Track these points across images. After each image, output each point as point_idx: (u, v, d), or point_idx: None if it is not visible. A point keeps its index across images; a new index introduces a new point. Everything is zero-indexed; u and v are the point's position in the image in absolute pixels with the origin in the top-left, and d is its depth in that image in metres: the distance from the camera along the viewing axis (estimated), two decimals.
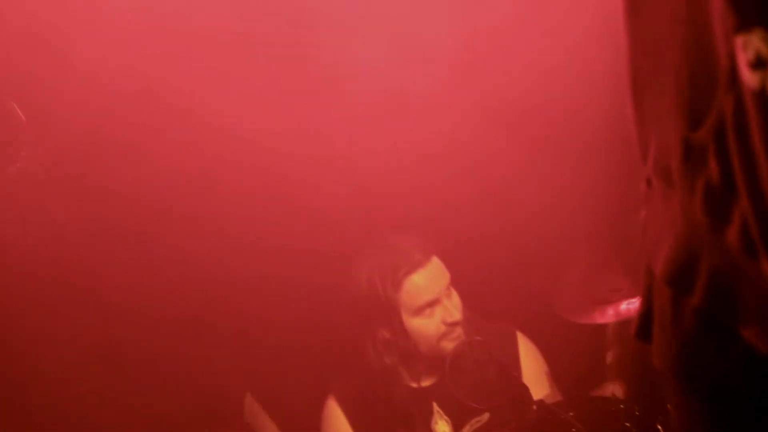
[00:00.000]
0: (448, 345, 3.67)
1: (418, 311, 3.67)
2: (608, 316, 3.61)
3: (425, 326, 3.68)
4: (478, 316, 3.81)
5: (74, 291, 3.97)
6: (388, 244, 3.74)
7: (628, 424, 3.10)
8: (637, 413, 3.13)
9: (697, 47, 1.43)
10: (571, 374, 3.83)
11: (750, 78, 1.34)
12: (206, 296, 4.12)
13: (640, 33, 1.53)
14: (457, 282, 3.75)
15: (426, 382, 3.76)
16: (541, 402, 3.29)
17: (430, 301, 3.67)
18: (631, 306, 3.43)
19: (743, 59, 1.34)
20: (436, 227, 3.92)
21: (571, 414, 3.12)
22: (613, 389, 3.43)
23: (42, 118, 3.53)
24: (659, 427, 3.05)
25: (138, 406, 3.90)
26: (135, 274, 4.03)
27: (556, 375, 3.85)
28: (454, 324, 3.68)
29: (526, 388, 3.65)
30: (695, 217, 1.44)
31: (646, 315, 1.61)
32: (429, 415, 3.74)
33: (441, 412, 3.74)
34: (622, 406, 3.16)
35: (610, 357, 3.70)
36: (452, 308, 3.69)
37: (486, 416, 3.68)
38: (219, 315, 4.15)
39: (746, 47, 1.34)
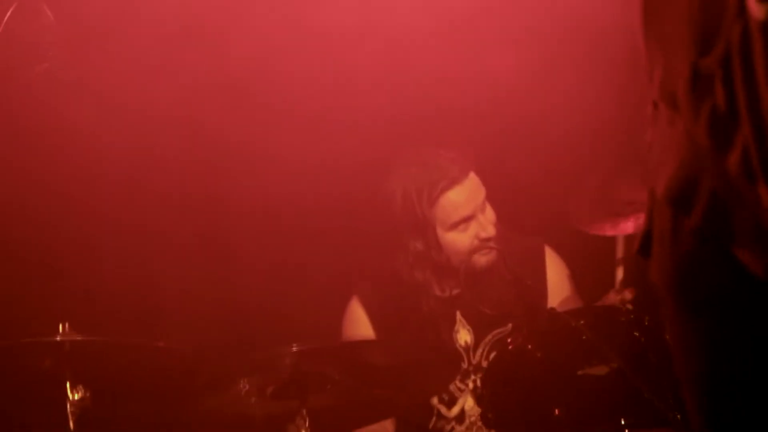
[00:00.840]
0: (481, 259, 3.74)
1: (453, 226, 3.72)
2: (620, 228, 3.67)
3: (459, 241, 3.73)
4: (508, 229, 3.87)
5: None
6: (426, 158, 3.75)
7: (636, 334, 3.17)
8: (646, 323, 3.19)
9: None
10: (591, 285, 3.89)
11: (756, 8, 1.39)
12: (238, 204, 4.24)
13: None
14: (490, 196, 3.79)
15: (455, 291, 3.82)
16: (552, 310, 3.37)
17: (466, 217, 3.71)
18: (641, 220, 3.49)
19: None
20: (472, 141, 3.95)
21: (582, 322, 3.17)
22: (625, 300, 3.50)
23: None
24: (667, 337, 3.11)
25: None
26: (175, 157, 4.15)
27: (579, 286, 3.91)
28: (487, 239, 3.73)
29: (539, 297, 3.76)
30: (699, 142, 1.50)
31: (647, 233, 1.67)
32: (452, 323, 3.82)
33: (464, 321, 3.82)
34: (632, 316, 3.21)
35: (619, 272, 3.77)
36: (486, 223, 3.73)
37: (509, 327, 3.76)
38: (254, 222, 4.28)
39: None
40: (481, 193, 3.75)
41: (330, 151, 4.15)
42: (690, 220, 1.54)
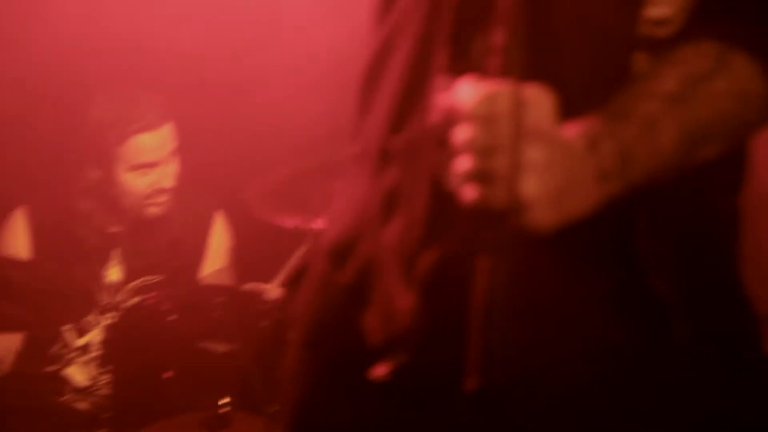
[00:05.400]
0: (151, 208, 3.86)
1: (135, 168, 3.81)
2: (300, 224, 3.77)
3: (136, 184, 3.82)
4: (189, 187, 3.98)
5: None
6: (130, 96, 3.84)
7: (265, 324, 3.35)
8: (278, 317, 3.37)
9: (416, 62, 1.59)
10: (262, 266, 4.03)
11: (435, 114, 1.49)
12: None
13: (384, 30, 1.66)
14: (182, 152, 3.90)
15: (117, 229, 3.92)
16: (199, 280, 3.52)
17: (149, 163, 3.82)
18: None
19: (437, 96, 1.49)
20: (181, 92, 4.05)
21: (221, 299, 3.35)
22: (270, 292, 3.64)
23: None
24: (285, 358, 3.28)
25: None
26: None
27: (243, 260, 4.05)
28: (163, 190, 3.85)
29: (193, 262, 3.90)
30: (372, 207, 1.63)
31: (301, 268, 1.78)
32: (107, 259, 3.90)
33: (118, 260, 3.90)
34: (266, 307, 3.38)
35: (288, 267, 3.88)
36: (167, 175, 3.85)
37: (158, 279, 3.85)
38: None
39: (441, 87, 1.48)
40: (172, 144, 3.87)
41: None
42: (341, 277, 1.66)
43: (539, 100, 1.33)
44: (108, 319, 3.86)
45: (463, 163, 1.32)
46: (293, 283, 1.79)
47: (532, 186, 1.31)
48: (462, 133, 1.32)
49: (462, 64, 1.50)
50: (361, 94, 1.69)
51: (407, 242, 1.56)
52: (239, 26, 4.20)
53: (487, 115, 1.31)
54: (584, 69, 1.50)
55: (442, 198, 1.50)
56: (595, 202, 1.38)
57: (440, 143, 1.49)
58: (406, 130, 1.58)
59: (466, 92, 1.34)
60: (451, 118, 1.36)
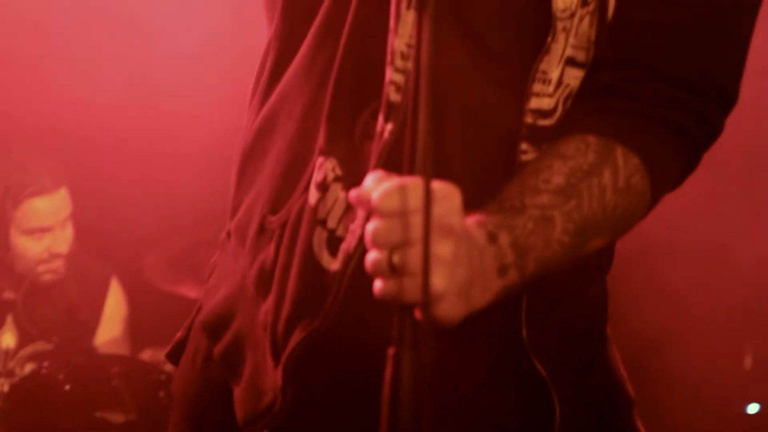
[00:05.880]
0: (45, 274, 3.83)
1: (28, 232, 3.80)
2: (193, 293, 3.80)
3: (30, 248, 3.81)
4: (83, 252, 3.99)
5: None
6: (23, 161, 3.85)
7: (162, 394, 3.35)
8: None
9: (298, 142, 1.60)
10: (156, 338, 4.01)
11: (313, 194, 1.56)
12: None
13: (270, 107, 1.68)
14: (77, 216, 3.90)
15: (10, 295, 3.89)
16: (94, 349, 3.51)
17: (43, 227, 3.81)
18: None
19: (316, 176, 1.56)
20: (73, 159, 4.07)
21: (116, 369, 3.34)
22: (160, 360, 3.63)
23: None
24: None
25: None
26: None
27: (139, 328, 4.05)
28: (57, 255, 3.84)
29: (88, 330, 3.88)
30: (247, 284, 1.65)
31: (181, 342, 1.80)
32: (2, 324, 3.86)
33: (12, 325, 3.87)
34: (163, 377, 3.40)
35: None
36: (62, 240, 3.84)
37: (52, 346, 3.84)
38: None
39: (321, 168, 1.56)
40: (66, 209, 3.86)
41: None
42: (215, 349, 1.68)
43: (446, 194, 1.34)
44: (0, 386, 3.82)
45: (373, 257, 1.32)
46: (174, 355, 1.80)
47: (441, 279, 1.32)
48: (372, 227, 1.32)
49: (344, 145, 1.55)
50: (239, 170, 1.70)
51: (278, 319, 1.57)
52: (135, 94, 4.22)
53: (397, 210, 1.30)
54: (472, 159, 1.56)
55: (315, 277, 1.54)
56: (496, 293, 1.42)
57: (317, 223, 1.54)
58: (284, 207, 1.59)
59: (375, 185, 1.33)
60: (364, 210, 1.39)
